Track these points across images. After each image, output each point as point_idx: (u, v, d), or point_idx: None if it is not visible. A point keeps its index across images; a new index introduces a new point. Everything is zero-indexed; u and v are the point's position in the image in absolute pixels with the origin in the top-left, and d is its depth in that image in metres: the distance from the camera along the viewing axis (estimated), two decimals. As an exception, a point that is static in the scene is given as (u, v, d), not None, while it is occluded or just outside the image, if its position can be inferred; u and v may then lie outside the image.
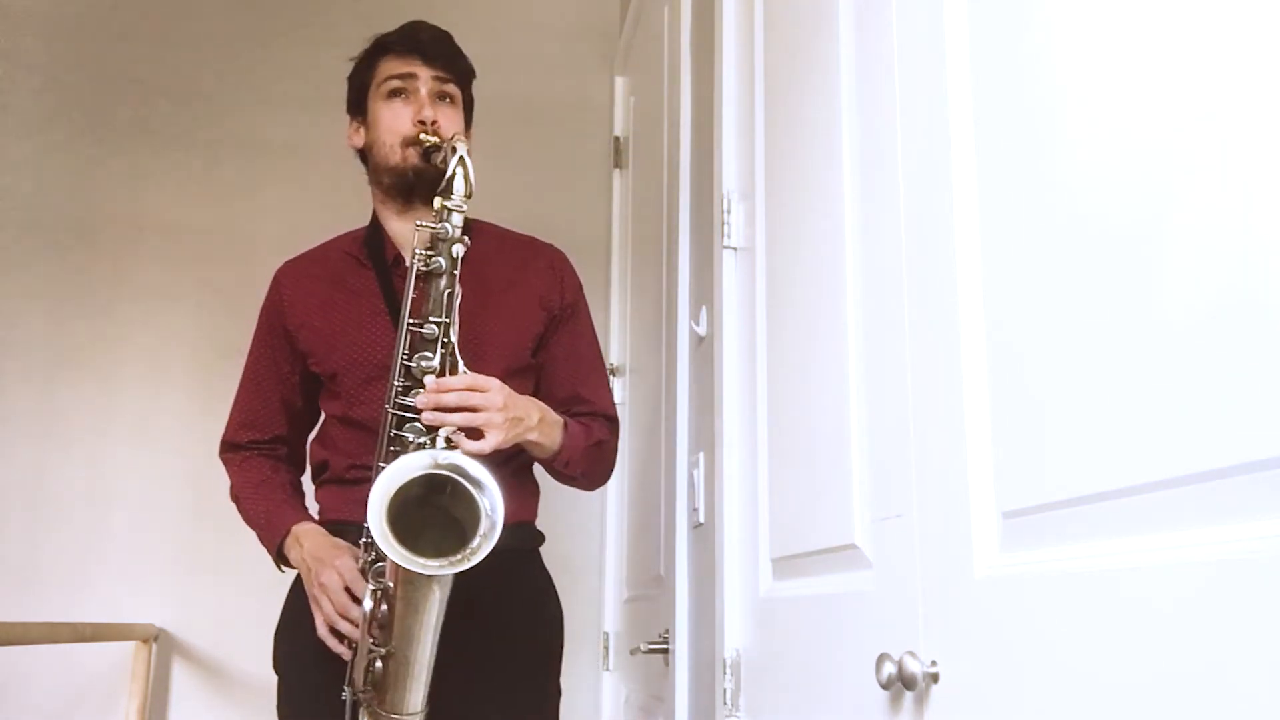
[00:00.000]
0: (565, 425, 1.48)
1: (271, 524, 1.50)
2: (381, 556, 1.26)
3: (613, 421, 1.60)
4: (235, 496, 1.58)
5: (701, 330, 1.68)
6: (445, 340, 1.32)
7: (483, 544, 1.16)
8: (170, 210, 2.77)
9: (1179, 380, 0.61)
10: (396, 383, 1.32)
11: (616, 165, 2.86)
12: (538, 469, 1.58)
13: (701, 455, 1.63)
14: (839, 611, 1.09)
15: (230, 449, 1.61)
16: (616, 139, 2.88)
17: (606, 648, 2.51)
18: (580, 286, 1.65)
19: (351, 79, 1.61)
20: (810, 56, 1.28)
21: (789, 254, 1.33)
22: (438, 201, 1.33)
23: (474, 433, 1.29)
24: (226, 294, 2.73)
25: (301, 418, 1.61)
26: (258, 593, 2.59)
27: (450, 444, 1.26)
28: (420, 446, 1.27)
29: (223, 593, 2.54)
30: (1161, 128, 0.64)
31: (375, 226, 1.58)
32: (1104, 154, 0.70)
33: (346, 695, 1.33)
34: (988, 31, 0.87)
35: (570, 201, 2.82)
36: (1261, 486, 0.55)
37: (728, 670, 1.40)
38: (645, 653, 1.81)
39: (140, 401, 2.66)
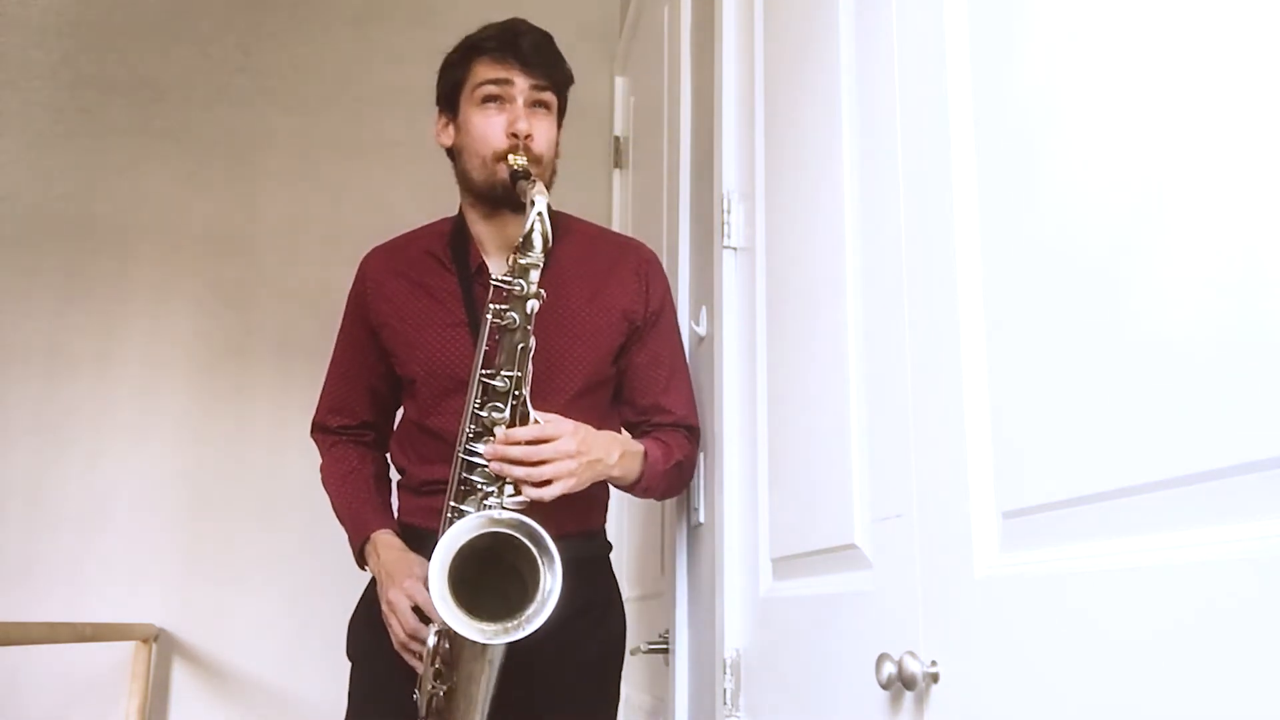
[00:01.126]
0: (645, 455, 1.47)
1: (354, 525, 1.53)
2: None
3: (693, 431, 1.58)
4: (324, 483, 1.60)
5: (701, 330, 1.68)
6: (517, 394, 1.32)
7: (540, 609, 1.20)
8: (170, 210, 2.77)
9: (1179, 380, 0.61)
10: (469, 428, 1.33)
11: (616, 165, 2.86)
12: None
13: (701, 455, 1.63)
14: (839, 611, 1.09)
15: (320, 430, 1.63)
16: (616, 139, 2.88)
17: (606, 648, 2.50)
18: (668, 290, 1.62)
19: (443, 73, 1.55)
20: (810, 56, 1.28)
21: (789, 254, 1.33)
22: (512, 259, 1.33)
23: (544, 482, 1.30)
24: (226, 294, 2.73)
25: (388, 404, 1.62)
26: (258, 593, 2.60)
27: (518, 491, 1.29)
28: (486, 495, 1.30)
29: (223, 593, 2.54)
30: (1160, 126, 0.64)
31: (461, 226, 1.56)
32: (1104, 153, 0.70)
33: (417, 697, 1.36)
34: (987, 31, 0.87)
35: (570, 201, 2.81)
36: (1261, 486, 0.55)
37: (728, 670, 1.40)
38: (645, 653, 1.81)
39: (140, 401, 2.66)
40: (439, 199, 1.65)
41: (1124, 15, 0.69)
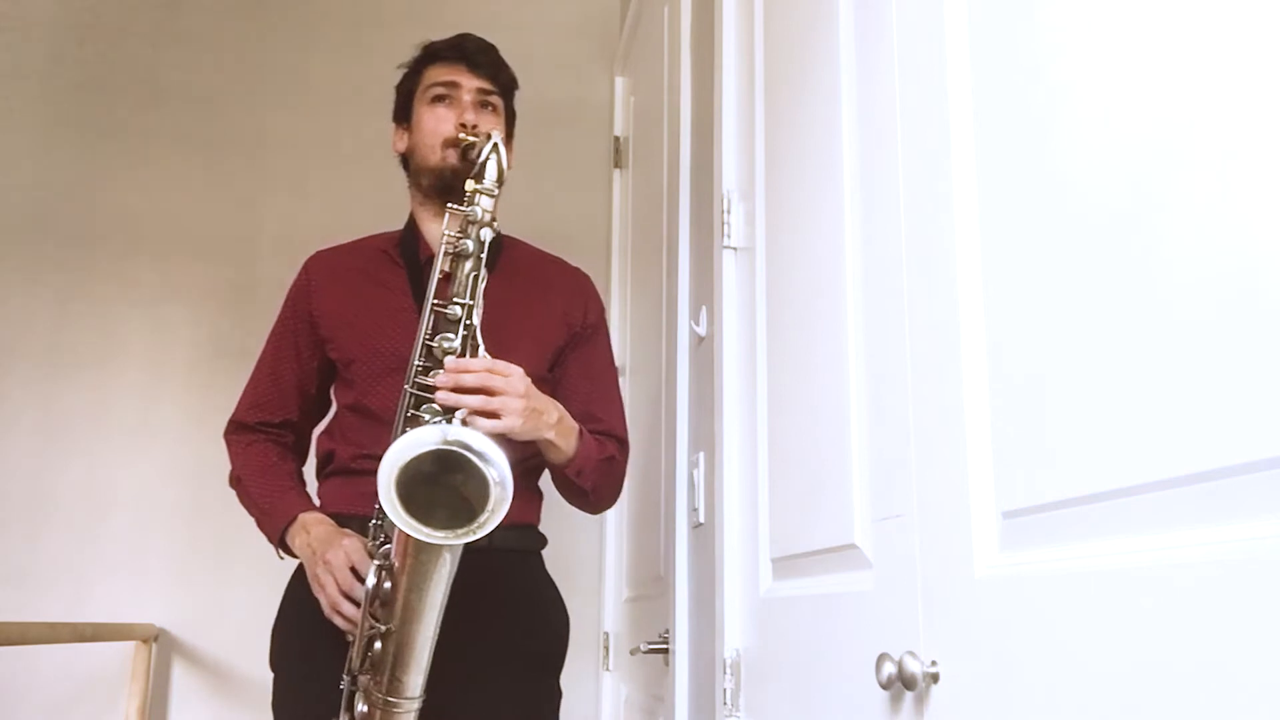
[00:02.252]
0: (581, 434, 1.47)
1: (276, 510, 1.49)
2: (388, 540, 1.26)
3: (624, 444, 1.59)
4: (236, 479, 1.57)
5: (701, 330, 1.68)
6: (468, 323, 1.32)
7: (490, 517, 1.15)
8: (170, 210, 2.77)
9: (1179, 380, 0.61)
10: (417, 362, 1.33)
11: (616, 165, 2.87)
12: (544, 482, 1.58)
13: (701, 455, 1.63)
14: (839, 611, 1.09)
15: (237, 429, 1.61)
16: (616, 139, 2.88)
17: (606, 648, 2.51)
18: (603, 313, 1.68)
19: (399, 87, 1.64)
20: (810, 56, 1.28)
21: (789, 254, 1.33)
22: (469, 185, 1.36)
23: (491, 416, 1.29)
24: (226, 294, 2.73)
25: (313, 407, 1.61)
26: (258, 592, 2.59)
27: (465, 424, 1.26)
28: (438, 425, 1.26)
29: (223, 593, 2.54)
30: (1156, 133, 0.64)
31: (411, 228, 1.60)
32: (1103, 156, 0.70)
33: (345, 685, 1.32)
34: (987, 31, 0.87)
35: (570, 201, 2.83)
36: (1261, 486, 0.55)
37: (728, 670, 1.40)
38: (645, 653, 1.81)
39: (140, 401, 2.66)
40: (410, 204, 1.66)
41: (1122, 11, 0.69)
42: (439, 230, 1.51)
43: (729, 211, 1.57)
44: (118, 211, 2.75)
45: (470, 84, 1.56)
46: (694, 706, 1.61)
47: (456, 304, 1.32)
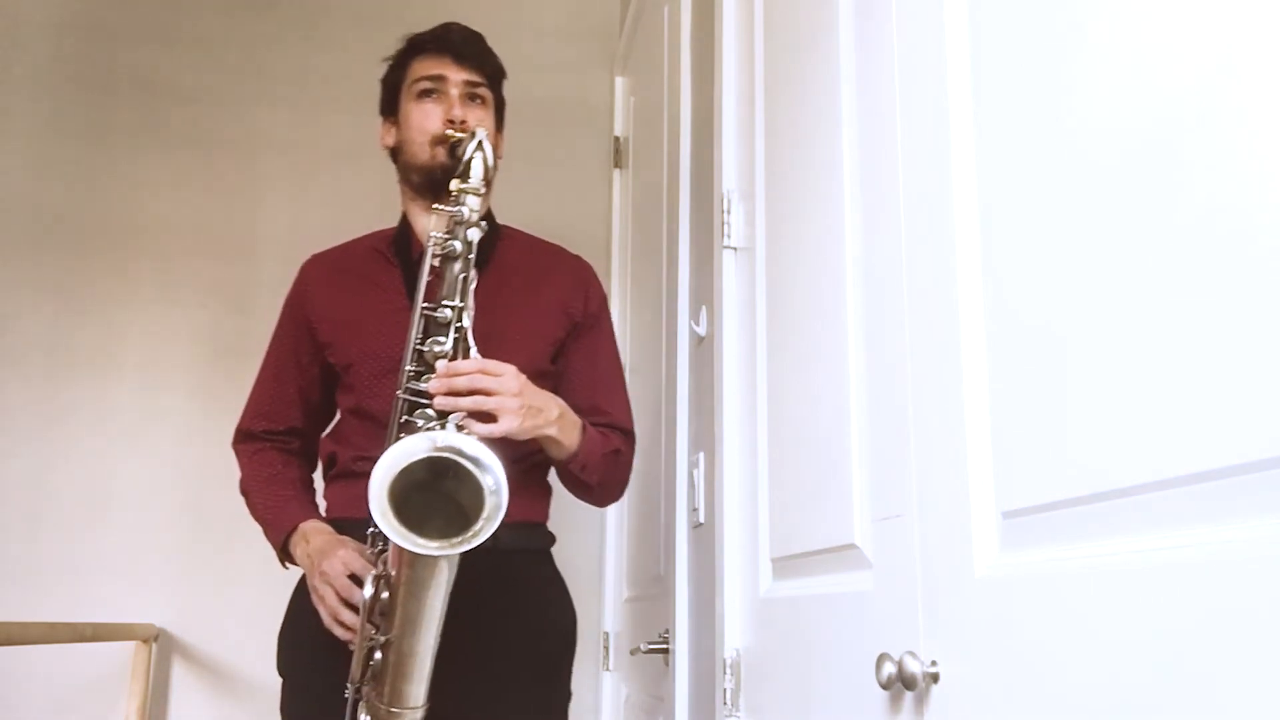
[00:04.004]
0: (584, 428, 1.46)
1: (278, 519, 1.49)
2: (387, 547, 1.25)
3: (629, 436, 1.57)
4: (244, 490, 1.57)
5: (701, 330, 1.68)
6: (459, 325, 1.30)
7: (485, 526, 1.13)
8: (170, 210, 2.77)
9: (1179, 380, 0.61)
10: (409, 368, 1.31)
11: (616, 165, 2.87)
12: (552, 476, 1.57)
13: (701, 455, 1.63)
14: (839, 611, 1.09)
15: (243, 438, 1.60)
16: (616, 139, 2.88)
17: (606, 648, 2.51)
18: (605, 300, 1.65)
19: (384, 80, 1.61)
20: (810, 56, 1.28)
21: (789, 254, 1.33)
22: (455, 184, 1.34)
23: (487, 418, 1.28)
24: (226, 294, 2.73)
25: (317, 412, 1.60)
26: (258, 593, 2.60)
27: (461, 429, 1.24)
28: (429, 433, 1.24)
29: (223, 593, 2.54)
30: (1156, 133, 0.64)
31: (404, 225, 1.58)
32: (1103, 157, 0.70)
33: (349, 693, 1.31)
34: (988, 32, 0.87)
35: (570, 201, 2.83)
36: (1261, 486, 0.55)
37: (728, 670, 1.40)
38: (645, 653, 1.81)
39: (140, 401, 2.66)
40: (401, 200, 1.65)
41: (1123, 9, 0.69)
42: (430, 225, 1.51)
43: (729, 211, 1.57)
44: (117, 211, 2.75)
45: (457, 77, 1.53)
46: (694, 706, 1.61)
47: (446, 306, 1.31)
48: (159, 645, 2.52)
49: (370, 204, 2.78)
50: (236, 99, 2.85)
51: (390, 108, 1.60)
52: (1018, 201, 0.80)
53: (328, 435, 1.59)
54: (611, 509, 2.54)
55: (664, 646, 1.75)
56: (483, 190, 1.34)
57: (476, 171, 1.34)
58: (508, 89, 1.64)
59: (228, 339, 2.70)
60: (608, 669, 2.50)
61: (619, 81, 2.90)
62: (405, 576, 1.20)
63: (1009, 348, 0.80)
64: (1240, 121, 0.57)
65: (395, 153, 1.58)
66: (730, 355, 1.50)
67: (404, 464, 1.16)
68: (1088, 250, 0.71)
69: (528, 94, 1.68)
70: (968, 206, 0.87)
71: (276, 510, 1.50)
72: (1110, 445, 0.67)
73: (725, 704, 1.39)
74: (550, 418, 1.37)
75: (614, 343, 1.64)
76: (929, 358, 0.92)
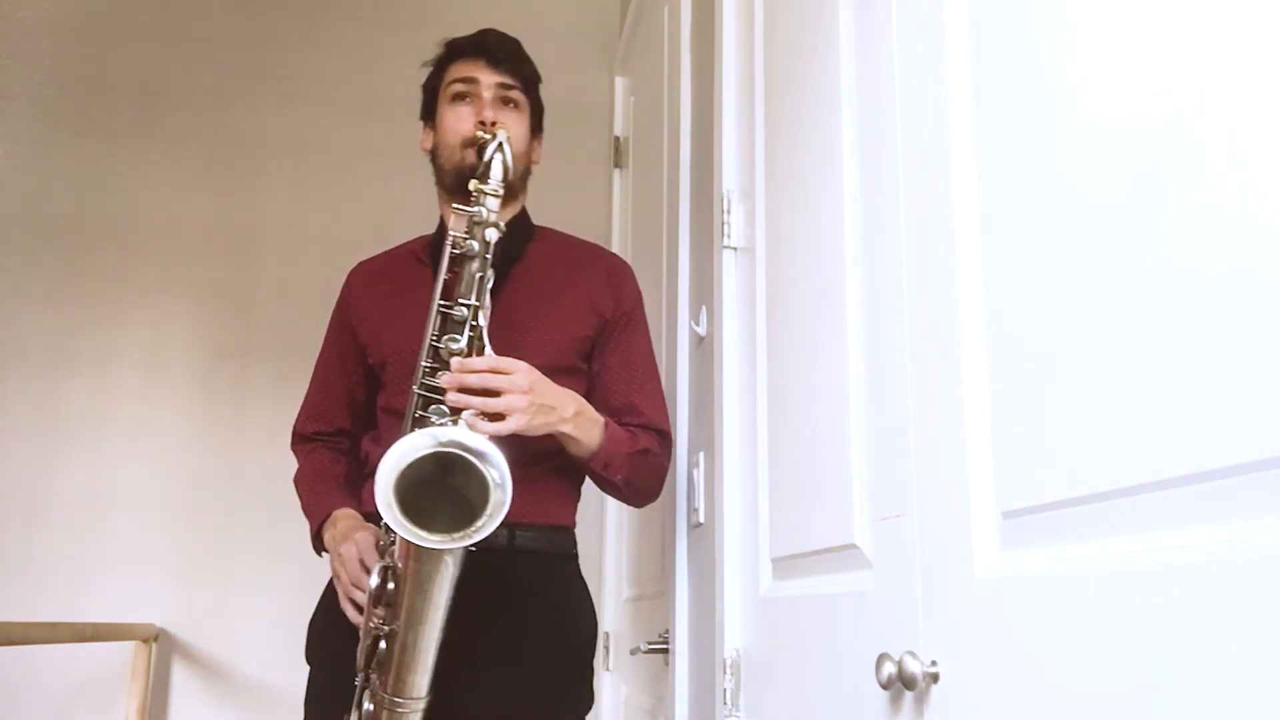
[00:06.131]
0: (606, 425, 1.45)
1: (316, 508, 1.53)
2: (396, 539, 1.26)
3: (664, 436, 1.56)
4: (296, 486, 1.61)
5: (701, 330, 1.68)
6: (474, 324, 1.31)
7: (488, 522, 1.14)
8: (170, 210, 2.77)
9: (1179, 380, 0.61)
10: (425, 364, 1.33)
11: (616, 165, 2.87)
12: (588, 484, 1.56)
13: (701, 455, 1.63)
14: (839, 611, 1.09)
15: (299, 440, 1.66)
16: (616, 139, 2.88)
17: (606, 648, 2.51)
18: (640, 299, 1.64)
19: (424, 85, 1.64)
20: (810, 56, 1.28)
21: (789, 254, 1.33)
22: (473, 185, 1.35)
23: (497, 415, 1.28)
24: (226, 294, 2.73)
25: (365, 413, 1.63)
26: (258, 593, 2.60)
27: (471, 426, 1.25)
28: (437, 427, 1.25)
29: (223, 593, 2.54)
30: (1156, 134, 0.64)
31: (440, 228, 1.59)
32: (1104, 159, 0.70)
33: (358, 682, 1.32)
34: (988, 32, 0.87)
35: (570, 201, 2.81)
36: (1261, 486, 0.55)
37: (728, 670, 1.40)
38: (645, 653, 1.81)
39: (140, 401, 2.66)
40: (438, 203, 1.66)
41: (1122, 12, 0.69)
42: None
43: (729, 211, 1.57)
44: (117, 211, 2.75)
45: (490, 79, 1.55)
46: (694, 706, 1.61)
47: (463, 305, 1.32)
48: (159, 645, 2.52)
49: (370, 204, 2.79)
50: (236, 99, 2.85)
51: (429, 112, 1.62)
52: (1018, 201, 0.80)
53: (369, 437, 1.61)
54: (611, 508, 2.55)
55: (664, 646, 1.75)
56: (500, 192, 1.35)
57: (495, 173, 1.35)
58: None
59: (228, 339, 2.70)
60: (607, 669, 2.50)
61: (619, 81, 2.90)
62: (411, 569, 1.21)
63: (1009, 347, 0.80)
64: (1240, 121, 0.57)
65: (432, 156, 1.60)
66: (730, 355, 1.50)
67: (410, 458, 1.18)
68: (1088, 250, 0.71)
69: (527, 94, 1.69)
70: (967, 206, 0.87)
71: (314, 501, 1.55)
72: (1110, 445, 0.67)
73: (725, 704, 1.39)
74: (564, 415, 1.38)
75: (649, 344, 1.64)
76: (929, 357, 0.92)
